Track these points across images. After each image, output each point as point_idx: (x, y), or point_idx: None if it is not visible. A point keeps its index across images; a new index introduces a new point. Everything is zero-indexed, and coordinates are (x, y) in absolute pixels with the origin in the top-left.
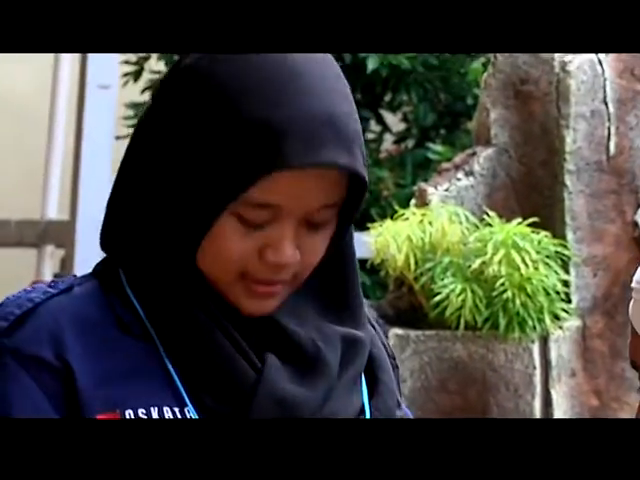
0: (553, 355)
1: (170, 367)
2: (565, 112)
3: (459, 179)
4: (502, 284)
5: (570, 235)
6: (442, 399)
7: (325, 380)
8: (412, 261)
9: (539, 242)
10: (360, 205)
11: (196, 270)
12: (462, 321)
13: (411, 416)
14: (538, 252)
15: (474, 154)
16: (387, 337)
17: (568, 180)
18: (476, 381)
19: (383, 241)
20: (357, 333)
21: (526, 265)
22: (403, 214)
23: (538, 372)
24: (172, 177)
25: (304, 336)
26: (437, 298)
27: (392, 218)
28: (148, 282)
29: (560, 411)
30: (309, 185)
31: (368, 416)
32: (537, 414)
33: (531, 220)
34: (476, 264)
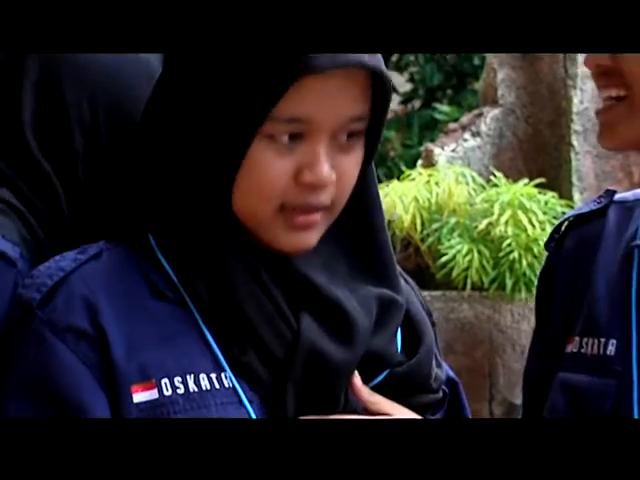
0: None
1: (206, 332)
2: (572, 72)
3: (466, 140)
4: (509, 245)
5: (577, 196)
6: (449, 360)
7: (360, 340)
8: (419, 222)
9: (546, 203)
10: (385, 118)
11: (232, 219)
12: (469, 282)
13: (451, 373)
14: (545, 213)
15: (481, 114)
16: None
17: (575, 141)
18: (483, 342)
19: (390, 202)
20: (393, 294)
21: (533, 226)
22: (410, 175)
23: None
24: (200, 111)
25: (339, 296)
26: (444, 259)
27: (399, 179)
28: (180, 244)
29: None
30: (337, 92)
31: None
32: None
33: (538, 181)
34: (483, 225)
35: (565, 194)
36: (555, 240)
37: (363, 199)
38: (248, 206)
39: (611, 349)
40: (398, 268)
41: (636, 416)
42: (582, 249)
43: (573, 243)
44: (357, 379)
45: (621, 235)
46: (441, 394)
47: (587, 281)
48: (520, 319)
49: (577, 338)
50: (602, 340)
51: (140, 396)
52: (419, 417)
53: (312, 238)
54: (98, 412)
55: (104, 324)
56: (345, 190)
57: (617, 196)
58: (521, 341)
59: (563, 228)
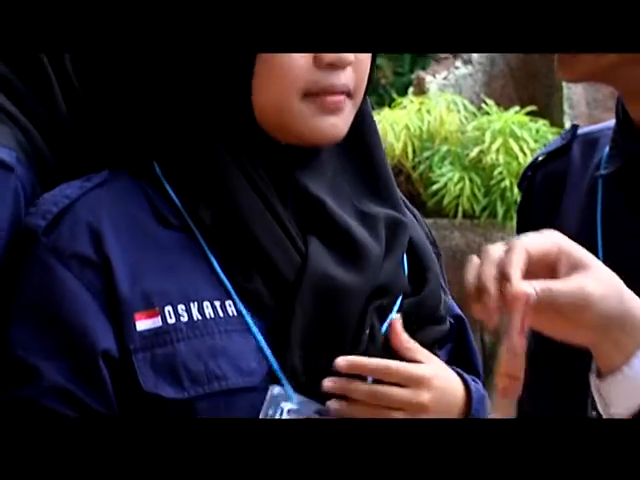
0: None
1: (212, 258)
2: None
3: (457, 67)
4: (500, 172)
5: (568, 123)
6: None
7: (370, 264)
8: (410, 150)
9: (537, 130)
10: None
11: (251, 124)
12: (460, 210)
13: (457, 310)
14: (536, 140)
15: None
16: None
17: None
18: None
19: (381, 130)
20: (398, 215)
21: (524, 153)
22: (401, 102)
23: None
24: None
25: (348, 223)
26: (435, 187)
27: (390, 106)
28: (185, 170)
29: None
30: None
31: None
32: None
33: (529, 109)
34: (474, 153)
35: (556, 122)
36: (527, 179)
37: (360, 119)
38: (272, 98)
39: None
40: (401, 196)
41: None
42: (550, 186)
43: (541, 181)
44: (398, 322)
45: (586, 167)
46: (448, 325)
47: (557, 217)
48: None
49: None
50: None
51: (143, 324)
52: (448, 374)
53: (341, 125)
54: (102, 338)
55: (108, 252)
56: (363, 74)
57: (581, 130)
58: None
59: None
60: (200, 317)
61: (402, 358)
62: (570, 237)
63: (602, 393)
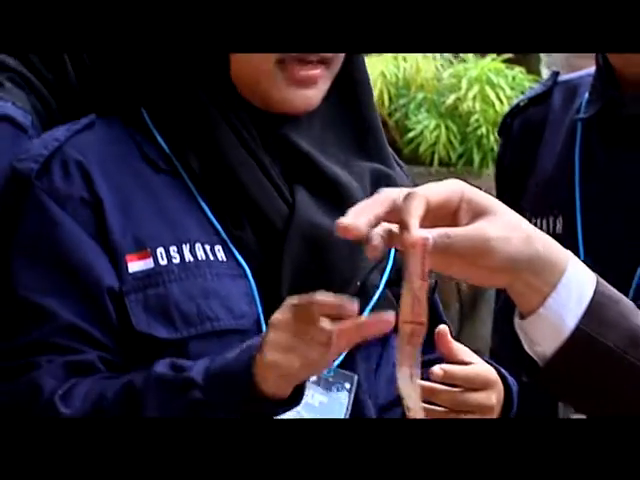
0: None
1: (202, 203)
2: None
3: None
4: (476, 120)
5: (544, 71)
6: None
7: None
8: (386, 97)
9: (513, 78)
10: None
11: (229, 86)
12: (436, 157)
13: None
14: (512, 88)
15: None
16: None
17: None
18: None
19: None
20: (386, 169)
21: (500, 101)
22: None
23: None
24: None
25: (335, 171)
26: (411, 134)
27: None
28: (173, 116)
29: None
30: None
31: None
32: None
33: (506, 56)
34: (450, 100)
35: (533, 69)
36: (507, 125)
37: (351, 73)
38: (248, 61)
39: (559, 227)
40: (392, 153)
41: None
42: (528, 131)
43: (519, 127)
44: (445, 330)
45: (566, 113)
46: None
47: (534, 162)
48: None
49: (530, 219)
50: (551, 219)
51: (135, 265)
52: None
53: (314, 96)
54: (105, 275)
55: (99, 192)
56: None
57: (561, 77)
58: None
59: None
60: (192, 259)
61: (450, 362)
62: (548, 179)
63: (526, 332)
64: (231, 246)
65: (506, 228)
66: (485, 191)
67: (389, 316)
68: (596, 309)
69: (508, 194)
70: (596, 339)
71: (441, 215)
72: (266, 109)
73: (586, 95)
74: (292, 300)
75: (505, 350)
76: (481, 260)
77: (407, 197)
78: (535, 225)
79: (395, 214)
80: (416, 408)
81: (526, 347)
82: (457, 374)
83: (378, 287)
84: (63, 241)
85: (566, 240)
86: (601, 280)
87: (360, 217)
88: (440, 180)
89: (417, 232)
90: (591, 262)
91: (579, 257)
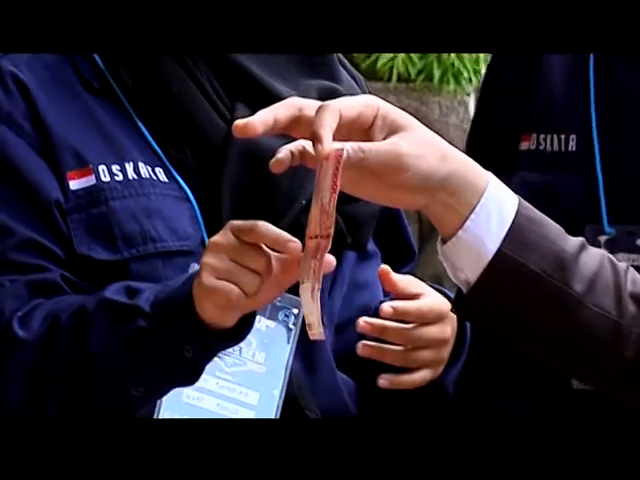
0: None
1: (141, 125)
2: None
3: None
4: None
5: None
6: None
7: None
8: None
9: None
10: None
11: None
12: (394, 72)
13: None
14: None
15: None
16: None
17: None
18: None
19: None
20: (333, 85)
21: None
22: None
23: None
24: None
25: (276, 87)
26: None
27: None
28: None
29: None
30: None
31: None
32: None
33: None
34: None
35: None
36: None
37: None
38: None
39: (572, 145)
40: (343, 60)
41: (603, 211)
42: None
43: None
44: (387, 268)
45: None
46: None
47: (539, 77)
48: (448, 112)
49: (534, 135)
50: (562, 136)
51: (77, 183)
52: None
53: None
54: (53, 189)
55: (38, 106)
56: None
57: None
58: (449, 134)
59: None
60: (136, 177)
61: (399, 298)
62: (555, 100)
63: (448, 258)
64: (171, 168)
65: (420, 145)
66: (445, 108)
67: (331, 260)
68: (518, 231)
69: (505, 110)
70: (519, 262)
71: (355, 130)
72: None
73: None
74: (233, 223)
75: None
76: (395, 178)
77: (319, 109)
78: (543, 142)
79: (306, 127)
80: (316, 325)
81: (450, 275)
82: (409, 310)
83: None
84: (11, 157)
85: (581, 158)
86: (524, 202)
87: (259, 117)
88: (399, 97)
89: (330, 144)
90: (608, 181)
91: (596, 175)
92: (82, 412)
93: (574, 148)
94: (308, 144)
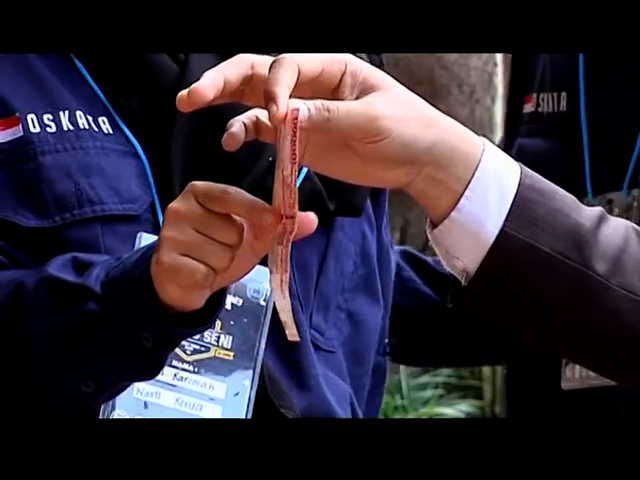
0: None
1: (80, 65)
2: None
3: None
4: None
5: None
6: None
7: None
8: None
9: None
10: None
11: None
12: None
13: None
14: None
15: None
16: None
17: None
18: (422, 82)
19: None
20: None
21: None
22: None
23: (500, 70)
24: None
25: None
26: None
27: None
28: None
29: None
30: None
31: None
32: (498, 122)
33: None
34: None
35: None
36: None
37: None
38: None
39: (563, 104)
40: None
41: (588, 181)
42: None
43: None
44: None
45: None
46: None
47: None
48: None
49: (534, 95)
50: (555, 94)
51: (1, 136)
52: None
53: None
54: None
55: None
56: None
57: None
58: (470, 80)
59: None
60: (72, 127)
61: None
62: (554, 55)
63: (441, 244)
64: (117, 118)
65: (400, 106)
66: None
67: (313, 216)
68: (523, 206)
69: (517, 68)
70: (527, 243)
71: (320, 92)
72: None
73: None
74: (197, 187)
75: None
76: (369, 147)
77: (273, 64)
78: (541, 102)
79: (260, 89)
80: (289, 324)
81: (444, 264)
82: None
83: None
84: None
85: (569, 118)
86: (528, 171)
87: (207, 80)
88: None
89: (285, 103)
90: (593, 147)
91: (581, 136)
92: (21, 409)
93: (565, 107)
94: (263, 113)
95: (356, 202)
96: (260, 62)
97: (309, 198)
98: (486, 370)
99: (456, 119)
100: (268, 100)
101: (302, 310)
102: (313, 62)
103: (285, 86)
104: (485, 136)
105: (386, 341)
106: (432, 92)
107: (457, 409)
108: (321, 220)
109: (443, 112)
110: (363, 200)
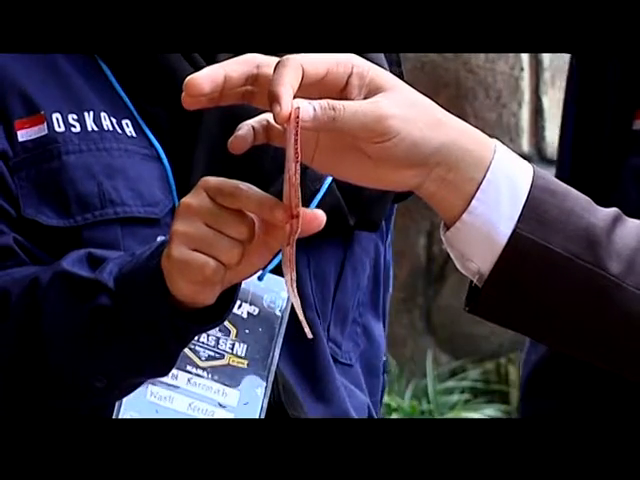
0: (545, 55)
1: (105, 68)
2: None
3: None
4: None
5: None
6: None
7: None
8: None
9: None
10: None
11: None
12: None
13: None
14: None
15: None
16: None
17: None
18: (448, 85)
19: None
20: None
21: None
22: None
23: (527, 74)
24: None
25: None
26: None
27: None
28: None
29: (552, 123)
30: None
31: None
32: (525, 127)
33: None
34: None
35: None
36: None
37: None
38: None
39: None
40: None
41: None
42: None
43: None
44: None
45: None
46: None
47: None
48: (496, 57)
49: None
50: None
51: (25, 133)
52: None
53: None
54: None
55: None
56: None
57: None
58: (496, 85)
59: None
60: (96, 128)
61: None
62: None
63: (454, 246)
64: (141, 122)
65: (407, 106)
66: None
67: (320, 213)
68: (536, 207)
69: (615, 85)
70: (540, 245)
71: (326, 93)
72: None
73: None
74: (209, 182)
75: None
76: (377, 147)
77: (278, 64)
78: None
79: (265, 90)
80: (302, 320)
81: (459, 266)
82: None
83: (322, 181)
84: None
85: None
86: (541, 171)
87: (205, 72)
88: None
89: (289, 103)
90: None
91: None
92: (33, 404)
93: None
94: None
95: (375, 217)
96: (267, 63)
97: (330, 212)
98: (513, 375)
99: (484, 124)
100: (272, 100)
101: (320, 322)
102: (317, 63)
103: (289, 86)
104: (511, 141)
105: (384, 359)
106: (458, 95)
107: (484, 413)
108: (340, 234)
109: (470, 115)
110: (382, 215)
